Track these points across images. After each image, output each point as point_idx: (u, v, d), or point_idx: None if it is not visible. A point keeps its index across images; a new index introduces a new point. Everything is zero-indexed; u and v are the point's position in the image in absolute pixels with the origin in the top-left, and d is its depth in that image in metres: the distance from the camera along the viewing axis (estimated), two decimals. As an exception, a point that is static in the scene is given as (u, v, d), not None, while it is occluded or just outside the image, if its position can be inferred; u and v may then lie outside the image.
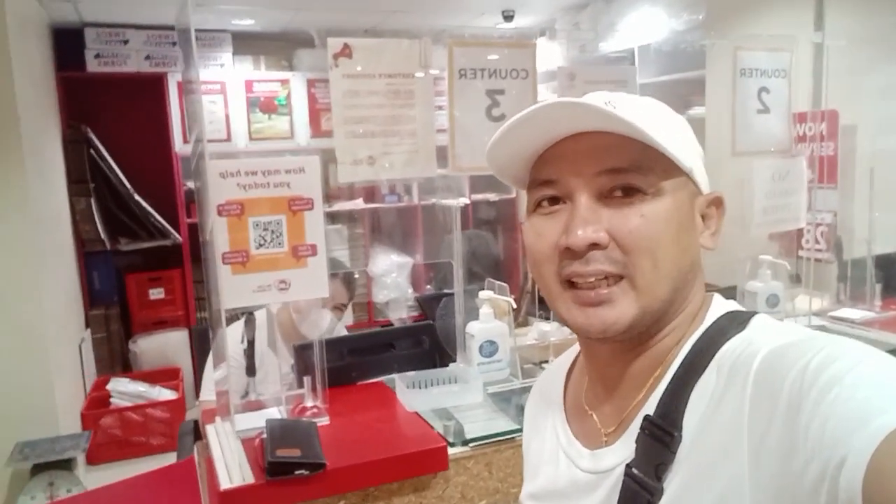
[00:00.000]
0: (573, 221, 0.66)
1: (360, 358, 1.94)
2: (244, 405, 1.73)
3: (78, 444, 3.23)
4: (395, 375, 1.81)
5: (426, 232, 5.43)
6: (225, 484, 1.37)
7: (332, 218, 5.27)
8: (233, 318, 2.55)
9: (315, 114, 5.06)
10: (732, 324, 0.66)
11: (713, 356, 0.64)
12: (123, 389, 4.26)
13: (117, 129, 4.82)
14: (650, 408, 0.66)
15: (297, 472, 1.39)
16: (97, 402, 4.18)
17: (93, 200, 4.50)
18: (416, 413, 1.71)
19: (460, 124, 1.83)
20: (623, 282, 0.66)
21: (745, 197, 2.16)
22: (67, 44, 4.54)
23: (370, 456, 1.49)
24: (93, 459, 3.92)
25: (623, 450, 0.68)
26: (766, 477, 0.54)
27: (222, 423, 1.63)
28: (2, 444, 3.19)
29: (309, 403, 1.70)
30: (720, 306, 0.71)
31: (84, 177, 4.49)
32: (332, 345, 1.95)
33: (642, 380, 0.70)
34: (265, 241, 1.64)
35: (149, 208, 4.80)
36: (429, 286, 5.39)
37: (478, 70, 1.84)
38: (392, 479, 1.48)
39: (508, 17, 4.76)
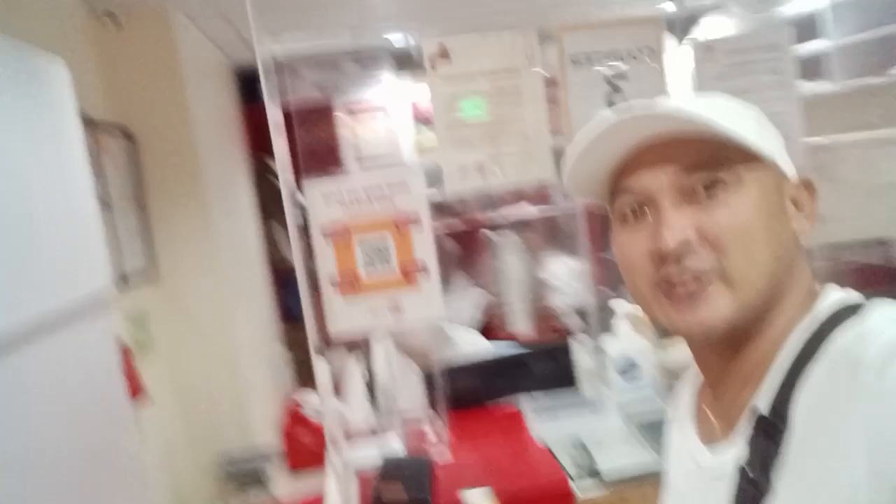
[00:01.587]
0: (660, 226, 0.65)
1: (493, 380, 1.80)
2: (368, 435, 1.68)
3: (272, 457, 3.44)
4: (524, 399, 1.65)
5: (595, 234, 5.13)
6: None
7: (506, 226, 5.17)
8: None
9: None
10: (844, 311, 0.63)
11: (823, 347, 0.61)
12: (314, 403, 4.49)
13: (296, 156, 5.12)
14: (760, 401, 0.64)
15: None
16: (292, 415, 4.45)
17: (275, 223, 4.82)
18: (543, 443, 1.53)
19: (578, 119, 1.63)
20: (718, 279, 0.64)
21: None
22: (248, 82, 4.91)
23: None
24: (292, 467, 4.17)
25: (735, 447, 0.66)
26: (889, 485, 0.52)
27: (339, 457, 1.58)
28: (204, 456, 3.46)
29: (429, 435, 1.60)
30: (832, 293, 0.67)
31: (269, 203, 4.82)
32: (462, 369, 1.84)
33: (750, 373, 0.67)
34: (373, 260, 1.57)
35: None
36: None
37: (592, 55, 1.64)
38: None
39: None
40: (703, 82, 1.70)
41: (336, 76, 5.10)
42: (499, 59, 1.61)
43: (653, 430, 1.54)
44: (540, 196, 5.13)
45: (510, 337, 4.30)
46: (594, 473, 1.42)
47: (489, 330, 4.44)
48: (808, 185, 0.70)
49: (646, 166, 0.67)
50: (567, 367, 1.81)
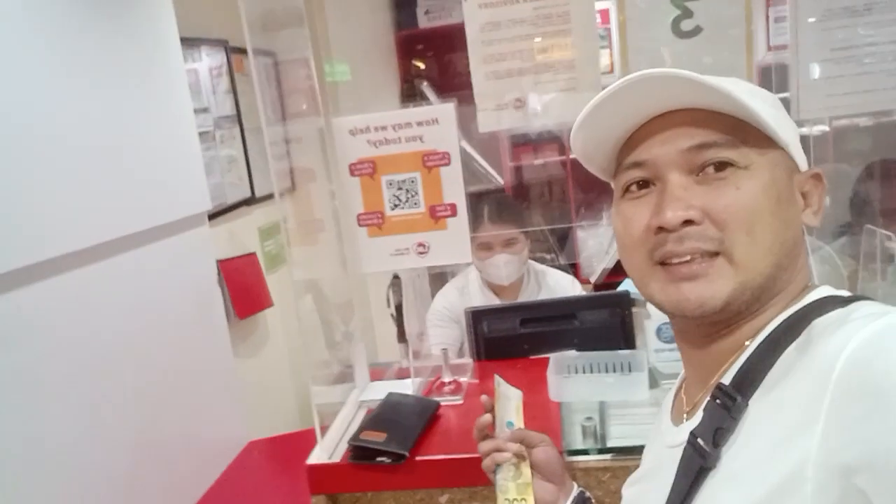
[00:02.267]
0: (665, 200, 0.64)
1: (535, 329, 1.71)
2: (396, 372, 1.68)
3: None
4: (552, 355, 1.54)
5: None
6: (313, 458, 1.35)
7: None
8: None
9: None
10: (828, 303, 0.62)
11: (798, 334, 0.60)
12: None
13: (447, 79, 5.09)
14: (727, 379, 0.64)
15: (378, 459, 1.29)
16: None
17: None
18: (559, 405, 1.44)
19: (636, 47, 1.42)
20: (719, 258, 0.63)
21: None
22: (403, 5, 4.92)
23: (469, 452, 1.31)
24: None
25: (694, 420, 0.67)
26: (838, 471, 0.51)
27: (354, 391, 1.60)
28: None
29: (447, 379, 1.56)
30: (821, 292, 0.66)
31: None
32: (504, 312, 1.76)
33: (728, 354, 0.67)
34: (400, 200, 1.53)
35: (474, 153, 5.01)
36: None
37: (659, -30, 1.40)
38: (484, 483, 1.27)
39: None
40: (802, 20, 1.40)
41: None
42: (545, -19, 1.44)
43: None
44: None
45: (611, 293, 4.08)
46: (600, 440, 1.32)
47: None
48: (818, 178, 0.69)
49: (655, 139, 0.66)
50: (620, 324, 1.67)
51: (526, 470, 0.92)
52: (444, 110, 1.48)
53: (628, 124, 0.68)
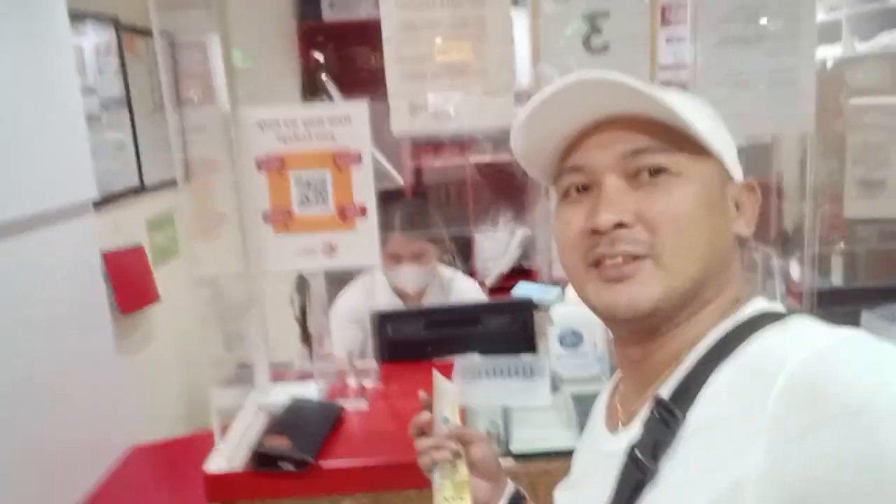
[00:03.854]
0: (599, 204, 0.66)
1: (439, 332, 1.71)
2: (296, 375, 1.64)
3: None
4: (457, 359, 1.55)
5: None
6: (212, 466, 1.29)
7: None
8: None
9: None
10: (766, 318, 0.63)
11: (736, 347, 0.61)
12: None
13: (350, 75, 5.02)
14: (665, 392, 0.65)
15: (281, 466, 1.25)
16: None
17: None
18: (463, 410, 1.45)
19: (548, 60, 1.46)
20: (648, 261, 0.64)
21: None
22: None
23: (377, 456, 1.29)
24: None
25: (632, 432, 0.67)
26: (782, 484, 0.51)
27: (253, 394, 1.55)
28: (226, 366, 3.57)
29: (352, 383, 1.54)
30: (757, 305, 0.67)
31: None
32: (410, 316, 1.76)
33: (662, 366, 0.68)
34: (308, 199, 1.49)
35: (374, 151, 4.97)
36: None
37: (573, -13, 1.44)
38: (395, 488, 1.27)
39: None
40: (702, 26, 1.48)
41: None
42: (463, -13, 1.44)
43: (585, 405, 1.42)
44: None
45: (554, 280, 4.18)
46: (503, 444, 1.34)
47: (526, 270, 4.32)
48: (752, 189, 0.71)
49: (594, 144, 0.68)
50: (522, 329, 1.70)
51: (463, 468, 0.92)
52: (356, 109, 1.46)
53: (569, 129, 0.69)
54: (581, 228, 0.67)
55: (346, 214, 1.49)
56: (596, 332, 1.51)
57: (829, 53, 2.72)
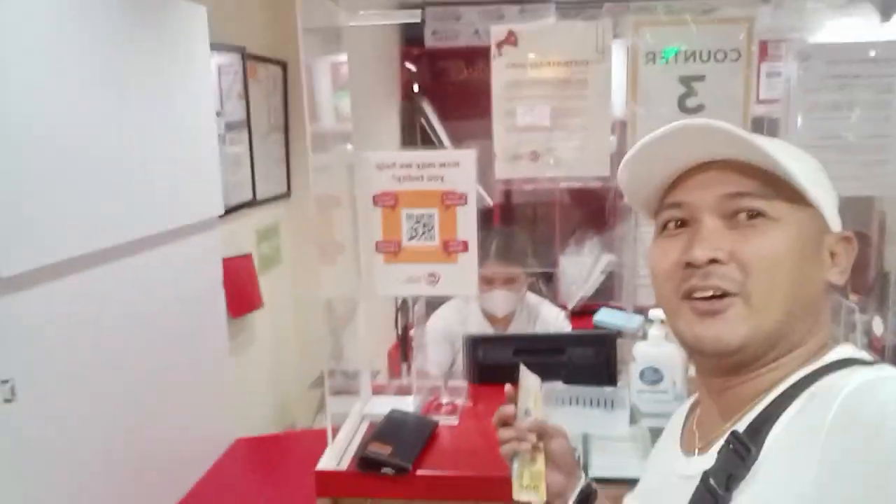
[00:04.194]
0: (696, 239, 0.69)
1: (527, 359, 1.84)
2: (396, 388, 1.81)
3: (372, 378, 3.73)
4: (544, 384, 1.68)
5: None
6: (322, 465, 1.47)
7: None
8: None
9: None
10: (845, 363, 0.66)
11: (811, 385, 0.65)
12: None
13: (448, 99, 5.23)
14: (742, 425, 0.68)
15: (383, 470, 1.42)
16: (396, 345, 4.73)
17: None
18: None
19: (645, 119, 1.58)
20: (738, 299, 0.67)
21: None
22: (411, 24, 5.04)
23: (467, 468, 1.44)
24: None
25: (708, 459, 0.70)
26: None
27: (360, 403, 1.73)
28: (313, 367, 3.80)
29: (445, 400, 1.70)
30: (844, 352, 0.70)
31: (414, 141, 5.01)
32: (500, 341, 1.91)
33: (745, 401, 0.71)
34: (417, 233, 1.66)
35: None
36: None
37: (673, 52, 1.56)
38: (481, 497, 1.41)
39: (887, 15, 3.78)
40: (796, 92, 1.57)
41: (499, 23, 5.10)
42: (568, 50, 1.59)
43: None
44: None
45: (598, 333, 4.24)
46: (583, 468, 1.46)
47: (611, 297, 4.37)
48: (849, 241, 0.72)
49: (695, 185, 0.71)
50: (605, 362, 1.82)
51: (540, 459, 0.98)
52: (465, 155, 1.62)
53: (673, 168, 0.73)
54: (676, 261, 0.70)
55: (450, 249, 1.65)
56: (676, 372, 1.61)
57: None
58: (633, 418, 1.61)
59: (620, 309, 3.58)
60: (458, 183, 1.63)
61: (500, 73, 1.61)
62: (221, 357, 2.48)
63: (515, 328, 2.37)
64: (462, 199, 1.64)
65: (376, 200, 1.67)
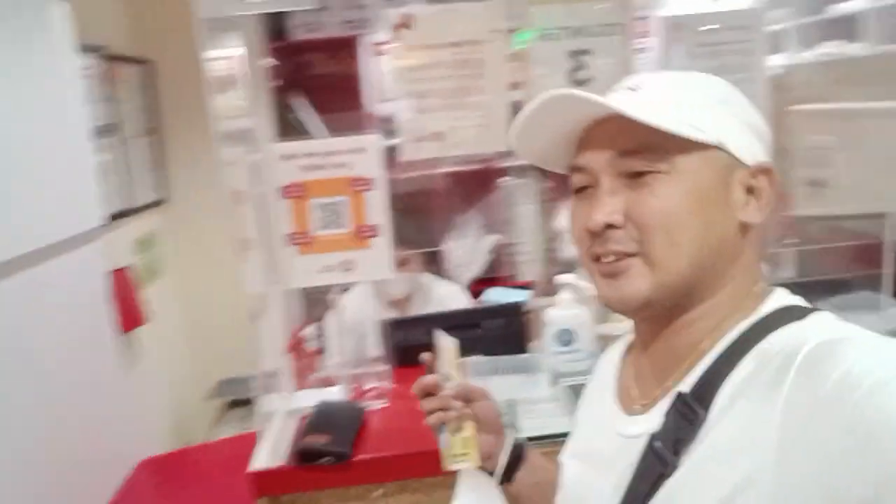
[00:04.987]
0: (592, 205, 0.69)
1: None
2: (316, 381, 1.80)
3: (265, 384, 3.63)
4: (467, 359, 1.73)
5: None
6: (256, 464, 1.44)
7: (524, 173, 5.18)
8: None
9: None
10: (787, 315, 0.65)
11: (757, 343, 0.63)
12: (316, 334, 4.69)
13: (319, 92, 5.16)
14: (686, 386, 0.67)
15: (322, 460, 1.41)
16: (294, 347, 4.64)
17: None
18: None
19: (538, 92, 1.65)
20: (637, 258, 0.67)
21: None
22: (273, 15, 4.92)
23: (403, 448, 1.47)
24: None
25: (652, 420, 0.69)
26: (799, 474, 0.54)
27: (282, 398, 1.71)
28: (207, 379, 3.66)
29: (370, 385, 1.71)
30: (779, 299, 0.69)
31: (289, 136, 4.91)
32: (415, 323, 1.93)
33: (681, 357, 0.70)
34: (328, 222, 1.65)
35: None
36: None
37: (559, 30, 1.65)
38: (420, 475, 1.44)
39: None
40: (671, 62, 1.70)
41: (366, 13, 5.08)
42: (463, 31, 1.63)
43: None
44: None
45: (520, 283, 4.38)
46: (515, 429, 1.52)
47: (498, 276, 4.50)
48: (766, 172, 0.69)
49: (592, 145, 0.70)
50: (517, 331, 1.90)
51: (468, 425, 0.93)
52: (371, 140, 1.63)
53: (567, 132, 0.72)
54: (582, 226, 0.71)
55: (362, 234, 1.66)
56: (586, 331, 1.70)
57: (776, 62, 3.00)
58: (553, 380, 1.70)
59: (506, 286, 3.70)
60: (365, 168, 1.63)
61: (398, 57, 1.63)
62: (113, 376, 2.34)
63: (415, 309, 2.41)
64: (370, 184, 1.64)
65: (284, 192, 1.64)
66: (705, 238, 0.66)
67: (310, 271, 1.66)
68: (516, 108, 1.67)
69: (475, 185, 4.77)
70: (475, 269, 4.51)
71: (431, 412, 0.95)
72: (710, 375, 0.65)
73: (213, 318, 3.50)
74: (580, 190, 0.73)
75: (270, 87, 1.86)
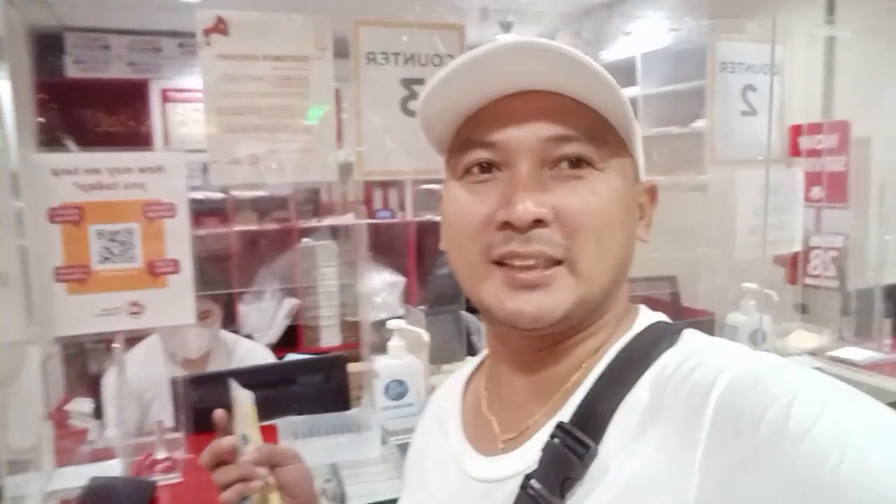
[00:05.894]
0: (516, 192, 0.55)
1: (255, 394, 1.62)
2: (90, 454, 1.44)
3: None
4: (278, 420, 1.49)
5: (420, 249, 5.12)
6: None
7: (326, 234, 5.02)
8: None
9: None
10: (663, 335, 0.58)
11: (645, 369, 0.55)
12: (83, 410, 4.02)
13: (96, 135, 4.64)
14: (565, 415, 0.57)
15: (95, 554, 1.08)
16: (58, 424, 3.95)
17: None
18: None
19: (368, 119, 1.52)
20: (562, 267, 0.56)
21: (728, 214, 1.82)
22: (46, 48, 4.38)
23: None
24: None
25: (523, 458, 0.58)
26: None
27: (38, 478, 1.33)
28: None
29: (161, 455, 1.39)
30: (647, 316, 0.63)
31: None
32: (216, 379, 1.65)
33: (558, 382, 0.60)
34: (112, 254, 1.35)
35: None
36: (421, 307, 5.06)
37: (390, 55, 1.54)
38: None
39: (506, 27, 4.46)
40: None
41: (155, 57, 4.73)
42: (286, 44, 1.46)
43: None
44: (365, 205, 5.04)
45: (317, 350, 4.12)
46: (341, 499, 1.30)
47: (295, 340, 4.23)
48: (652, 192, 0.65)
49: (511, 119, 0.57)
50: (339, 385, 1.69)
51: (275, 496, 0.78)
52: (172, 157, 1.37)
53: (479, 97, 0.59)
54: (487, 217, 0.57)
55: (157, 270, 1.37)
56: (419, 382, 1.55)
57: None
58: (384, 438, 1.51)
59: (306, 353, 3.46)
60: (164, 191, 1.37)
61: (211, 65, 1.41)
62: None
63: (213, 370, 2.09)
64: (170, 209, 1.38)
65: (54, 215, 1.32)
66: (626, 250, 0.60)
67: (85, 315, 1.33)
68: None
69: (273, 243, 4.52)
70: (272, 334, 4.22)
71: (228, 485, 0.77)
72: (594, 403, 0.56)
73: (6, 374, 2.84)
74: (476, 170, 0.59)
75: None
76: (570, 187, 0.56)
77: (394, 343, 1.54)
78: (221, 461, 0.79)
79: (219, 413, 0.80)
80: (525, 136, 0.57)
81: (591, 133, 0.57)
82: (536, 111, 0.57)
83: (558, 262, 0.56)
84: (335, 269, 5.12)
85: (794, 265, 2.37)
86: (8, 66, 1.39)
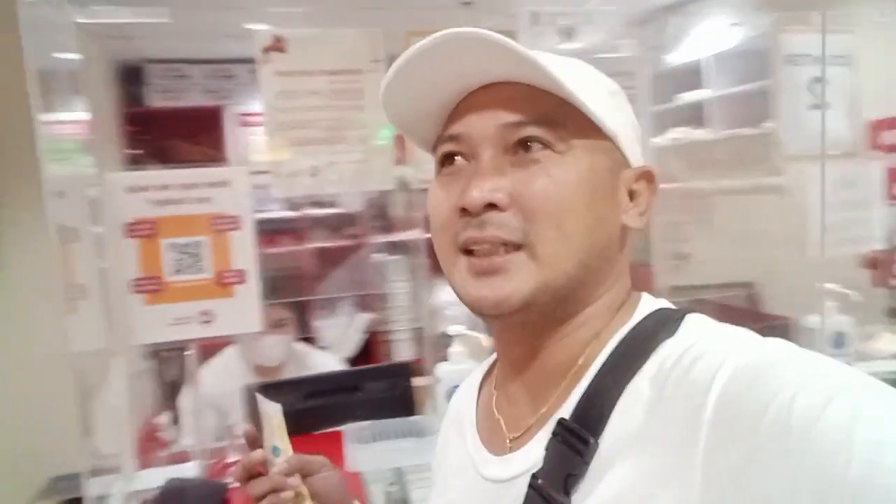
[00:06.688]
0: (472, 179, 0.57)
1: (319, 403, 1.66)
2: (168, 457, 1.50)
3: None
4: (344, 427, 1.52)
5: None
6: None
7: (398, 248, 5.09)
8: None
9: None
10: (664, 323, 0.57)
11: (645, 360, 0.54)
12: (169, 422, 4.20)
13: (177, 160, 4.87)
14: (566, 411, 0.56)
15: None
16: (146, 439, 4.13)
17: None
18: (357, 475, 1.41)
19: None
20: (521, 252, 0.56)
21: (804, 214, 1.74)
22: (128, 80, 4.64)
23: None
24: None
25: (529, 456, 0.58)
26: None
27: (121, 479, 1.40)
28: (36, 476, 3.12)
29: (233, 459, 1.44)
30: (649, 303, 0.61)
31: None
32: (286, 387, 1.70)
33: (557, 376, 0.60)
34: (183, 265, 1.42)
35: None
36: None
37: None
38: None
39: (566, 32, 4.43)
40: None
41: (228, 83, 4.93)
42: (341, 59, 1.51)
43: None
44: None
45: (396, 364, 4.17)
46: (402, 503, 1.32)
47: (371, 355, 4.30)
48: (648, 178, 0.63)
49: (475, 109, 0.59)
50: (404, 392, 1.70)
51: None
52: (236, 172, 1.43)
53: (447, 95, 0.61)
54: (453, 206, 0.59)
55: (224, 281, 1.43)
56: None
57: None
58: (446, 443, 1.51)
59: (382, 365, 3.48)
60: (229, 204, 1.43)
61: (269, 82, 1.47)
62: None
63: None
64: (235, 222, 1.44)
65: (129, 230, 1.39)
66: (595, 235, 0.58)
67: (159, 324, 1.40)
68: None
69: (344, 259, 4.61)
70: (348, 348, 4.29)
71: (262, 497, 0.77)
72: (594, 396, 0.55)
73: (45, 399, 3.03)
74: (447, 163, 0.61)
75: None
76: (527, 171, 0.56)
77: (455, 349, 1.54)
78: (253, 474, 0.79)
79: (248, 427, 0.82)
80: (485, 125, 0.58)
81: (546, 118, 0.57)
82: (496, 101, 0.58)
83: (518, 248, 0.56)
84: (406, 283, 5.19)
85: (883, 267, 2.25)
86: (88, 98, 1.48)
